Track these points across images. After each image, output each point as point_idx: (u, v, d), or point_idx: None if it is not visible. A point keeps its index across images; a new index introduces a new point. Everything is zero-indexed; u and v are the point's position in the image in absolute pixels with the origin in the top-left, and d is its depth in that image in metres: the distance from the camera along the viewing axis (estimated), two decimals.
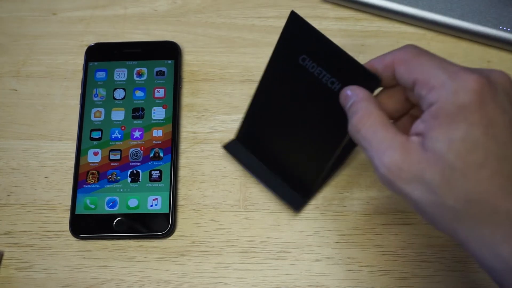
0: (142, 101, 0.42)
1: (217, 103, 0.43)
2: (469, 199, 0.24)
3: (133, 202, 0.39)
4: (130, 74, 0.43)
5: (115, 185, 0.40)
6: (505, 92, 0.25)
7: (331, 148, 0.35)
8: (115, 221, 0.39)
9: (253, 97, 0.38)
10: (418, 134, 0.26)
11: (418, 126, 0.26)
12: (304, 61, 0.33)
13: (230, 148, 0.40)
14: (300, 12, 0.47)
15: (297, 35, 0.33)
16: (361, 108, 0.28)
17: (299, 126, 0.36)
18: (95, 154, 0.41)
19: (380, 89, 0.32)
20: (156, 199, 0.39)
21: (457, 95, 0.24)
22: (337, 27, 0.45)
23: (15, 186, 0.41)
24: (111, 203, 0.39)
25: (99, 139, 0.41)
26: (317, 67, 0.33)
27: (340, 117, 0.32)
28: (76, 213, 0.39)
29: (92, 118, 0.42)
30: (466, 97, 0.24)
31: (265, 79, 0.37)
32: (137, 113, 0.42)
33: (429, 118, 0.25)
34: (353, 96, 0.30)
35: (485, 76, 0.25)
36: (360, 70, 0.31)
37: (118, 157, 0.41)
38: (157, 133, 0.41)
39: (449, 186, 0.24)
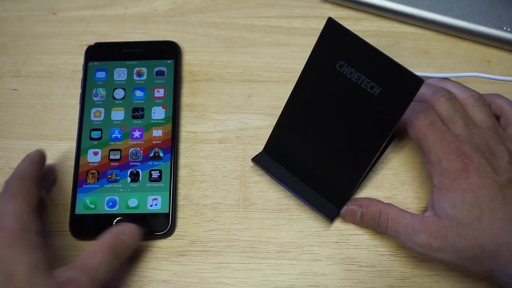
0: (142, 101, 0.42)
1: (217, 103, 0.43)
2: (480, 244, 0.31)
3: (133, 202, 0.39)
4: (130, 74, 0.43)
5: (115, 185, 0.40)
6: (484, 157, 0.32)
7: (370, 153, 0.35)
8: (115, 221, 0.39)
9: (285, 107, 0.37)
10: (431, 206, 0.34)
11: (430, 200, 0.35)
12: (342, 68, 0.33)
13: (259, 160, 0.39)
14: (300, 12, 0.47)
15: (335, 41, 0.33)
16: (376, 211, 0.36)
17: (334, 134, 0.36)
18: (95, 154, 0.41)
19: None
20: (156, 199, 0.39)
21: (448, 173, 0.33)
22: None
23: None
24: (111, 203, 0.39)
25: (99, 139, 0.41)
26: (356, 72, 0.33)
27: (380, 121, 0.33)
28: (76, 213, 0.39)
29: (92, 118, 0.42)
30: (455, 174, 0.32)
31: (298, 88, 0.36)
32: (137, 113, 0.42)
33: (435, 190, 0.34)
34: (360, 207, 0.37)
35: (467, 154, 0.32)
36: (402, 71, 0.31)
37: (118, 157, 0.41)
38: (157, 133, 0.41)
39: (465, 241, 0.31)
